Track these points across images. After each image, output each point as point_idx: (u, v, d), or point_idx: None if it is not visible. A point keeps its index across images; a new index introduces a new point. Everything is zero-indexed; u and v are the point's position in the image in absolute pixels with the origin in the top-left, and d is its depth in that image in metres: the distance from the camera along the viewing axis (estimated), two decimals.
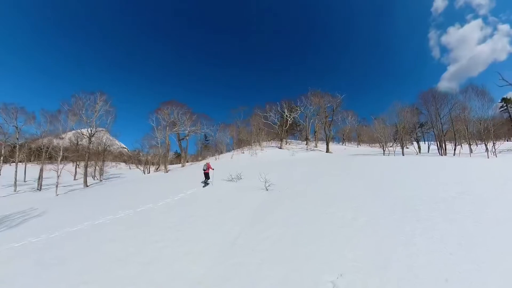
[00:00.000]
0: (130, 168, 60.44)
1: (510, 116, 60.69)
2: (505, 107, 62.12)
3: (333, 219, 7.44)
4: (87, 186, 30.71)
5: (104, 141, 49.09)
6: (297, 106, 58.41)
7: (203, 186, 16.98)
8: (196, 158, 60.26)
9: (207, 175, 17.48)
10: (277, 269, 4.88)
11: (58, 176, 26.63)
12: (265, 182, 13.26)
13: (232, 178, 17.39)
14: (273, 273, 4.74)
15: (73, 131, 39.99)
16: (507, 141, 50.49)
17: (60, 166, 27.87)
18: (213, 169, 18.20)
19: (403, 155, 33.52)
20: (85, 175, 31.68)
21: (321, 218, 7.66)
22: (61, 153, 29.55)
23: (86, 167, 32.39)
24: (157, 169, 45.09)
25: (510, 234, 5.35)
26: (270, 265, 5.09)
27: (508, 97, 61.68)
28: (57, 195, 24.78)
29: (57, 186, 26.02)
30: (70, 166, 43.78)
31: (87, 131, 34.76)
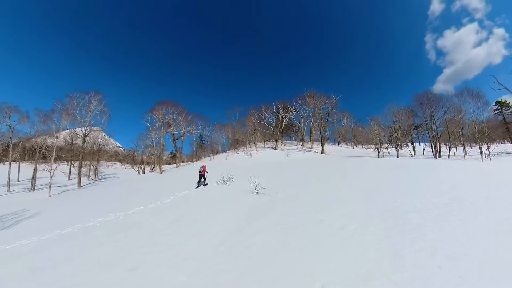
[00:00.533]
0: (125, 168, 60.28)
1: (504, 118, 61.21)
2: (499, 110, 62.65)
3: (321, 226, 7.40)
4: (81, 186, 30.56)
5: (99, 140, 48.89)
6: (292, 107, 58.60)
7: (196, 187, 17.18)
8: (191, 158, 60.20)
9: (202, 177, 17.72)
10: (259, 279, 4.86)
11: (51, 177, 26.48)
12: (256, 186, 13.25)
13: (224, 181, 17.37)
14: (255, 283, 4.73)
15: (67, 131, 39.83)
16: (501, 143, 50.90)
17: (54, 166, 27.72)
18: (207, 173, 18.26)
19: (397, 157, 33.70)
20: (79, 175, 31.54)
21: (309, 225, 7.61)
22: (54, 153, 29.31)
23: (80, 167, 32.26)
24: (152, 169, 44.95)
25: (498, 245, 5.28)
26: (252, 275, 5.06)
27: (503, 100, 62.35)
28: (50, 195, 24.63)
29: (50, 187, 25.83)
30: (64, 166, 43.63)
31: (81, 130, 34.66)
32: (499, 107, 62.74)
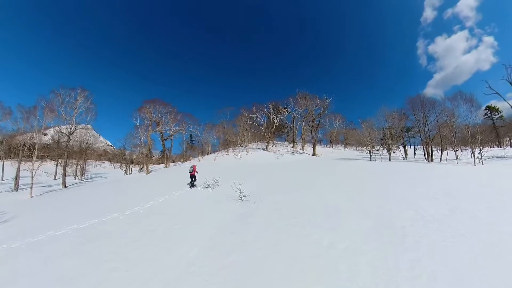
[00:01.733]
0: (114, 167, 59.30)
1: (493, 123, 61.87)
2: (489, 115, 63.39)
3: (307, 243, 6.79)
4: (65, 187, 29.57)
5: (87, 138, 47.67)
6: (284, 108, 58.35)
7: (190, 187, 17.44)
8: (181, 158, 59.46)
9: (193, 177, 17.92)
10: None
11: (32, 177, 25.47)
12: (240, 193, 12.72)
13: (209, 185, 16.78)
14: None
15: (52, 129, 38.66)
16: (491, 147, 51.24)
17: (35, 165, 26.69)
18: (197, 173, 18.54)
19: (389, 160, 33.48)
20: (64, 175, 30.61)
21: (293, 241, 7.01)
22: (35, 152, 28.22)
23: (64, 166, 31.29)
24: (141, 169, 44.00)
25: (507, 267, 4.78)
26: None
27: (492, 105, 63.29)
28: (32, 196, 23.66)
29: (31, 187, 24.83)
30: (50, 165, 42.36)
31: (66, 128, 33.59)
32: (489, 112, 63.56)
